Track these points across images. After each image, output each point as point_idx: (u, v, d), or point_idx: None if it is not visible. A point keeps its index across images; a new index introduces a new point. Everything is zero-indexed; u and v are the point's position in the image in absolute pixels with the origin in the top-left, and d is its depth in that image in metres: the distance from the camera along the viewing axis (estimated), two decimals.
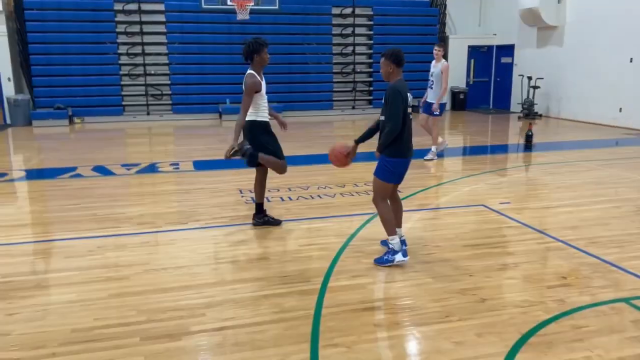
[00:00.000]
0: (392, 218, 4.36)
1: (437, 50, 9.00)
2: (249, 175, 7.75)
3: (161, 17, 15.28)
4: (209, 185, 7.31)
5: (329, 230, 5.32)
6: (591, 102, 13.92)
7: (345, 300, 3.74)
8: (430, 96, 9.17)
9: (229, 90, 15.53)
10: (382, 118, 4.27)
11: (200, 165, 8.70)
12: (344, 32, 16.60)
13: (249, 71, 5.05)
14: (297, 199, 6.52)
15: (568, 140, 11.30)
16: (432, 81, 9.09)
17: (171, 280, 4.11)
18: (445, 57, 8.89)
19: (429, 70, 9.19)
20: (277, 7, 13.14)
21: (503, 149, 10.94)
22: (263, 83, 5.17)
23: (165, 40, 15.38)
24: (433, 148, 9.09)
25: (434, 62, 9.09)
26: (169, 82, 15.50)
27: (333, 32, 16.48)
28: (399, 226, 4.58)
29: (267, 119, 5.21)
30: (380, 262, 4.34)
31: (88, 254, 4.68)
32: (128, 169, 8.39)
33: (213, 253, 4.71)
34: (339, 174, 7.88)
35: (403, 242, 4.49)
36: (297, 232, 5.28)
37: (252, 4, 12.32)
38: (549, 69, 15.21)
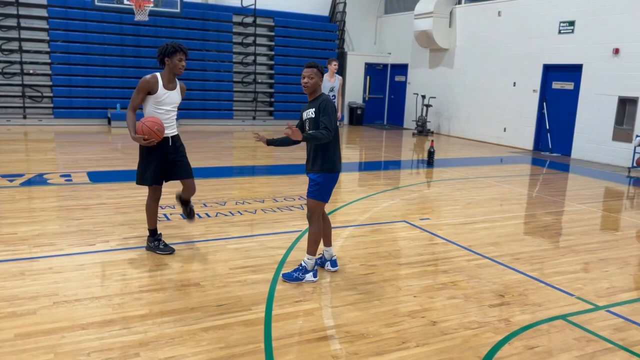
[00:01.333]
0: (320, 240, 4.30)
1: (334, 65, 9.16)
2: None
3: (42, 12, 13.88)
4: (111, 200, 6.61)
5: (259, 250, 5.00)
6: (478, 121, 14.92)
7: (294, 330, 3.47)
8: None
9: (119, 94, 14.52)
10: (309, 130, 4.17)
11: (96, 177, 7.89)
12: (245, 41, 16.27)
13: (159, 72, 4.59)
14: (216, 216, 6.10)
15: (463, 157, 11.95)
16: (334, 95, 9.20)
17: (89, 314, 3.54)
18: (339, 72, 9.29)
19: None
20: (178, 10, 12.48)
21: (407, 164, 11.28)
22: (172, 94, 4.62)
23: (47, 38, 13.97)
24: None
25: (326, 76, 9.14)
26: (50, 83, 14.08)
27: (234, 41, 16.09)
28: (329, 244, 4.56)
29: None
30: (288, 278, 4.21)
31: None
32: (10, 181, 7.36)
33: (133, 280, 4.17)
34: (257, 188, 7.56)
35: (333, 263, 4.53)
36: (224, 253, 4.89)
37: (152, 5, 11.55)
38: (440, 88, 16.09)
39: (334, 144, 4.19)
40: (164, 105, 4.60)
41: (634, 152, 10.59)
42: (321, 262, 4.55)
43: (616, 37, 11.16)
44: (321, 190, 4.19)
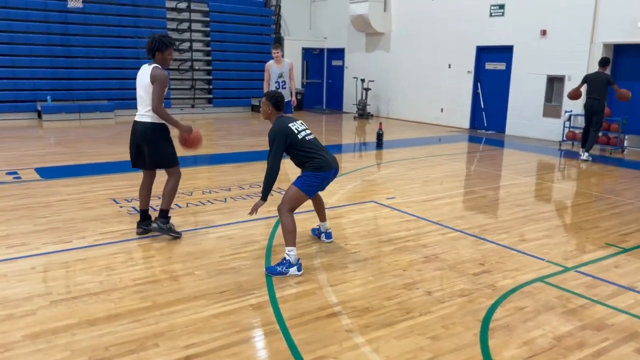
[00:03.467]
0: (295, 229, 4.23)
1: (276, 52, 9.16)
2: (114, 182, 7.03)
3: None
4: (72, 196, 6.37)
5: (242, 237, 5.04)
6: (416, 103, 15.45)
7: (303, 309, 3.58)
8: (285, 95, 9.35)
9: (49, 86, 13.76)
10: None
11: (46, 173, 7.53)
12: (179, 27, 15.84)
13: (154, 64, 4.66)
14: (187, 206, 6.04)
15: (407, 138, 12.38)
16: (284, 81, 9.24)
17: (92, 309, 3.48)
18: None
19: (263, 70, 9.32)
20: None
21: (358, 147, 11.55)
22: None
23: None
24: None
25: (272, 63, 9.19)
26: None
27: (168, 27, 15.62)
28: (324, 219, 4.90)
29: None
30: (272, 271, 4.13)
31: None
32: None
33: (125, 273, 4.11)
34: (217, 177, 7.51)
35: (328, 235, 4.93)
36: (208, 242, 4.89)
37: None
38: (378, 72, 16.48)
39: (317, 149, 4.34)
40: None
41: (564, 127, 11.43)
42: (318, 234, 4.98)
43: (543, 19, 11.92)
44: (312, 186, 4.29)
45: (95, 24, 14.28)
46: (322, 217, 4.88)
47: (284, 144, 4.21)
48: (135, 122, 4.79)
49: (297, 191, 4.25)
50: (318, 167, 4.27)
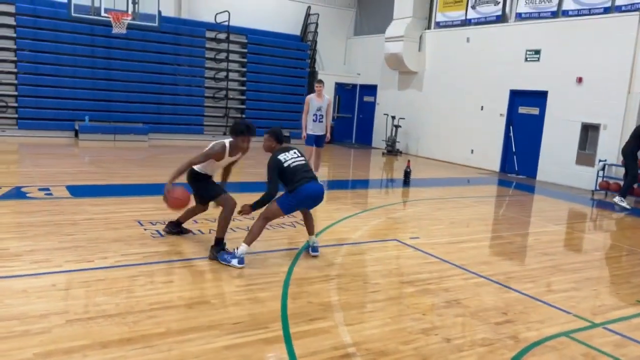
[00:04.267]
0: (258, 235, 5.02)
1: (319, 87, 9.55)
2: (143, 204, 7.11)
3: (10, 20, 13.46)
4: (99, 215, 6.46)
5: (261, 267, 5.00)
6: (447, 143, 15.36)
7: (316, 347, 3.50)
8: (320, 129, 9.56)
9: (88, 106, 14.21)
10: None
11: (77, 191, 7.68)
12: (217, 56, 16.25)
13: (228, 140, 5.26)
14: (210, 232, 6.05)
15: (435, 177, 12.27)
16: (322, 115, 9.49)
17: (106, 332, 3.47)
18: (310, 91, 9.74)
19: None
20: (156, 24, 12.37)
21: (384, 184, 11.50)
22: (232, 158, 5.42)
23: (14, 46, 13.55)
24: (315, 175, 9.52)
25: (313, 97, 9.50)
26: (15, 92, 13.62)
27: (206, 56, 16.04)
28: (311, 233, 5.44)
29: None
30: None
31: None
32: None
33: (141, 297, 4.10)
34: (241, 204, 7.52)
35: (314, 249, 5.43)
36: (226, 271, 4.86)
37: (130, 18, 11.42)
38: (409, 110, 16.50)
39: (295, 173, 5.03)
40: (219, 167, 5.50)
41: (597, 176, 11.16)
42: (306, 247, 5.52)
43: (580, 66, 11.80)
44: (288, 202, 5.04)
45: (137, 50, 14.78)
46: (310, 231, 5.43)
47: (277, 172, 5.01)
48: None
49: (276, 206, 5.05)
50: (293, 189, 5.00)
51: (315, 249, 5.43)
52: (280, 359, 3.33)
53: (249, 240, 4.93)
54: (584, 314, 4.43)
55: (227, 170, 5.76)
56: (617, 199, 9.75)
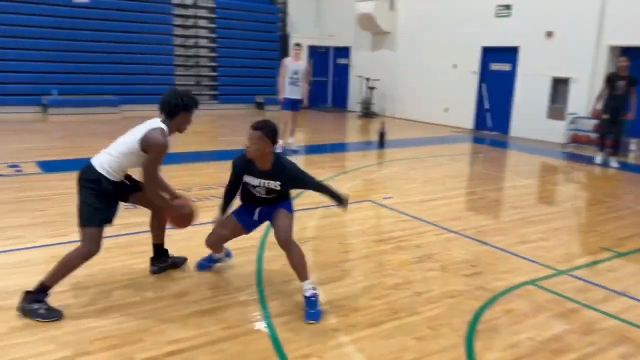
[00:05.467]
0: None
1: (298, 50, 9.45)
2: None
3: None
4: (71, 190, 6.33)
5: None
6: (422, 103, 15.39)
7: (290, 307, 3.58)
8: (297, 93, 9.47)
9: (55, 80, 13.84)
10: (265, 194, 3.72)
11: (48, 167, 7.57)
12: (185, 23, 15.88)
13: (160, 125, 3.52)
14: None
15: (410, 138, 12.34)
16: (297, 79, 9.39)
17: (81, 304, 3.50)
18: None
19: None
20: None
21: (360, 146, 11.54)
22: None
23: None
24: (291, 140, 9.56)
25: (291, 60, 9.43)
26: None
27: (174, 23, 15.66)
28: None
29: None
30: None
31: None
32: None
33: (117, 268, 4.13)
34: (217, 174, 7.53)
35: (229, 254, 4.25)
36: (200, 238, 4.88)
37: None
38: (384, 71, 16.42)
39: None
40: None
41: (567, 130, 11.35)
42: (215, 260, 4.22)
43: (550, 20, 11.83)
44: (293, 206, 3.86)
45: (101, 19, 14.34)
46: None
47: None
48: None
49: (288, 216, 3.73)
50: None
51: (229, 254, 4.29)
52: (256, 319, 3.41)
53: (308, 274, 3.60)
54: (550, 263, 4.59)
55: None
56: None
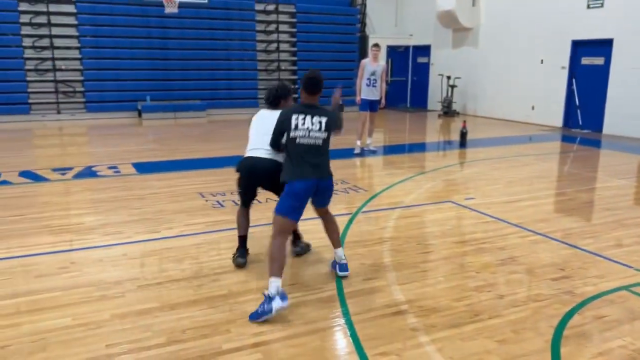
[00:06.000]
0: (281, 258, 3.58)
1: (376, 51, 9.47)
2: (203, 177, 7.42)
3: (71, 8, 14.09)
4: (163, 190, 6.83)
5: (314, 231, 5.15)
6: (505, 100, 14.86)
7: (369, 305, 3.63)
8: (374, 94, 9.48)
9: (148, 86, 14.76)
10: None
11: (142, 168, 8.11)
12: (267, 29, 16.35)
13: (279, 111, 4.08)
14: (267, 201, 6.26)
15: (493, 137, 11.97)
16: (375, 79, 9.40)
17: (174, 295, 3.75)
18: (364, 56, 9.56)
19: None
20: (206, 1, 12.58)
21: (441, 146, 11.37)
22: None
23: (77, 33, 14.21)
24: (369, 140, 9.67)
25: (368, 61, 9.45)
26: (81, 77, 14.34)
27: (257, 29, 16.18)
28: (337, 246, 4.13)
29: None
30: (255, 317, 3.38)
31: (62, 271, 4.15)
32: (63, 174, 7.61)
33: (205, 262, 4.37)
34: None
35: (343, 267, 4.07)
36: None
37: None
38: (465, 68, 16.03)
39: (289, 154, 3.88)
40: None
41: None
42: (333, 266, 4.22)
43: None
44: (284, 203, 3.79)
45: (190, 28, 15.10)
46: (334, 242, 4.16)
47: (279, 128, 3.87)
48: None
49: (275, 216, 3.77)
50: (286, 179, 3.81)
51: (343, 267, 4.08)
52: (335, 316, 3.49)
53: (275, 270, 3.52)
54: None
55: None
56: None
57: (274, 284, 3.45)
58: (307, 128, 3.77)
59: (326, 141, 3.87)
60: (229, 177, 5.38)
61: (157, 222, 5.43)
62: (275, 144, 4.01)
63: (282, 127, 3.87)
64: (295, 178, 3.79)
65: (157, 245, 4.79)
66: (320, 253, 4.58)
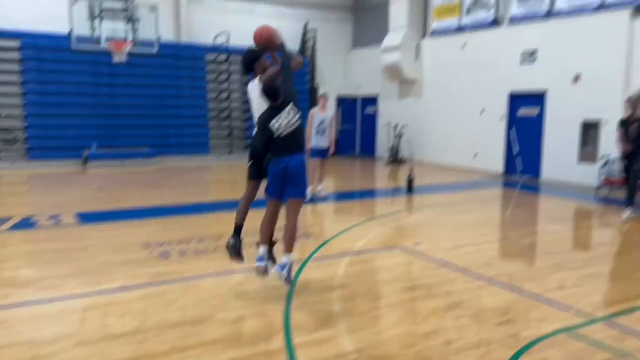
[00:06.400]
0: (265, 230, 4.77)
1: (324, 101, 9.78)
2: (148, 228, 7.22)
3: (15, 55, 13.81)
4: (106, 240, 6.60)
5: (264, 280, 5.08)
6: (450, 148, 15.42)
7: (319, 357, 3.58)
8: (324, 142, 9.70)
9: (95, 134, 14.48)
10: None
11: (85, 218, 7.84)
12: (219, 78, 16.51)
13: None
14: (215, 250, 6.16)
15: (439, 183, 12.32)
16: (324, 128, 9.64)
17: (114, 352, 3.58)
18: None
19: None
20: (155, 52, 12.64)
21: (389, 193, 11.59)
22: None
23: (20, 79, 13.88)
24: (320, 187, 9.76)
25: (317, 110, 9.69)
26: (24, 124, 13.91)
27: (208, 78, 16.31)
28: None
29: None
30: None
31: None
32: None
33: (148, 317, 4.21)
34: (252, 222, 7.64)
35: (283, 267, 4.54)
36: (228, 286, 4.96)
37: (130, 46, 11.69)
38: (411, 118, 16.59)
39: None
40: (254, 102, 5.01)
41: (600, 173, 11.15)
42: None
43: (576, 64, 11.86)
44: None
45: (139, 76, 15.04)
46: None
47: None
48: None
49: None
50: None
51: (283, 267, 4.51)
52: None
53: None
54: (585, 310, 4.46)
55: None
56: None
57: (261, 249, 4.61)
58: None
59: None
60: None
61: (99, 274, 5.22)
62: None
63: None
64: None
65: (98, 299, 4.59)
66: (267, 304, 4.51)
